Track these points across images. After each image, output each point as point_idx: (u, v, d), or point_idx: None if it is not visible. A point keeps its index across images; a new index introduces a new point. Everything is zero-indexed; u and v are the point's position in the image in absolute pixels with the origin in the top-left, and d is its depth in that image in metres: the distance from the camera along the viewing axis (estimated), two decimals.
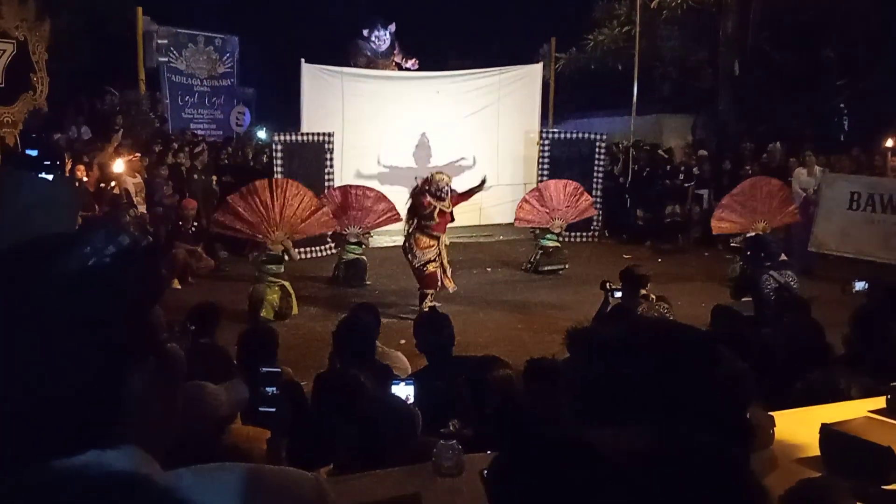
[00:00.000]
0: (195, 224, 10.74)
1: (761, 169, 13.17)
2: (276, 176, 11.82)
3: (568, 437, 1.02)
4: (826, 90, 16.94)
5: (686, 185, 14.12)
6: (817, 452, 2.66)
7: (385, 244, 12.51)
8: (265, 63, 19.04)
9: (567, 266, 11.40)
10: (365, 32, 16.80)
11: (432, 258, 8.86)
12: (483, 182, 9.43)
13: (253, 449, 3.07)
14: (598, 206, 13.55)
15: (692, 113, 18.50)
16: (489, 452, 2.63)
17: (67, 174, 9.95)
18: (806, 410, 3.17)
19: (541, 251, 11.45)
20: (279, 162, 12.21)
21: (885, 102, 15.14)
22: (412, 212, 9.03)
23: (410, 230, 9.01)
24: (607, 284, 6.49)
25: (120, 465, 0.87)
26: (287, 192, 9.13)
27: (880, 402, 3.04)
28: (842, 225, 11.15)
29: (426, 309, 7.94)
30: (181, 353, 1.09)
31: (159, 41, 15.92)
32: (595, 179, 14.09)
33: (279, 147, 12.36)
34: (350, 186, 11.13)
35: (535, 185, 12.90)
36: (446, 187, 8.89)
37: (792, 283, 7.15)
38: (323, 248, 11.76)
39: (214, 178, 12.75)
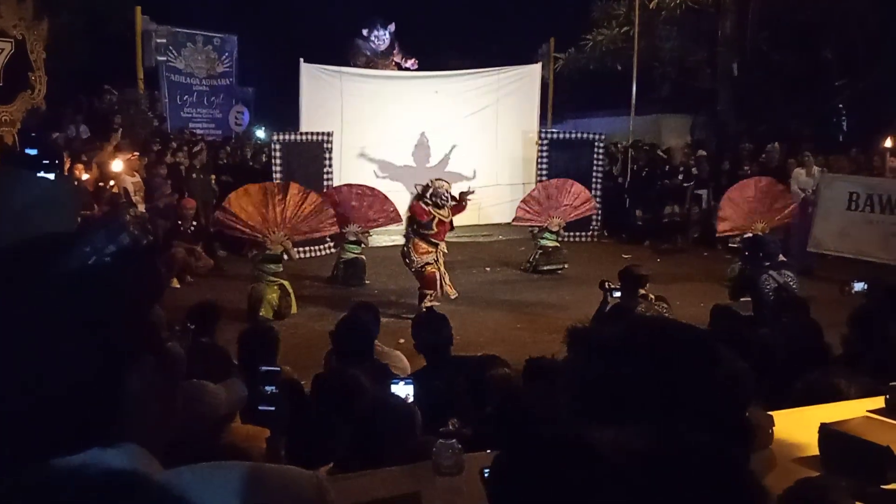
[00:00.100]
0: (194, 223, 10.74)
1: (760, 169, 13.18)
2: (275, 175, 11.85)
3: (567, 436, 1.03)
4: (825, 90, 16.95)
5: (685, 185, 14.12)
6: (816, 452, 2.66)
7: (384, 244, 12.51)
8: (264, 62, 19.02)
9: (566, 266, 11.40)
10: (364, 32, 16.80)
11: (430, 261, 8.95)
12: (467, 193, 9.46)
13: (252, 448, 3.08)
14: (598, 205, 13.55)
15: (691, 113, 18.51)
16: (489, 451, 2.63)
17: (66, 173, 9.94)
18: (805, 410, 3.17)
19: (540, 251, 11.46)
20: (278, 161, 12.21)
21: (884, 103, 15.15)
22: (411, 220, 9.11)
23: (409, 236, 9.09)
24: (606, 284, 6.49)
25: (120, 463, 0.87)
26: (289, 193, 9.13)
27: (879, 401, 3.04)
28: (840, 225, 11.15)
29: (425, 309, 7.97)
30: (181, 352, 1.09)
31: (158, 40, 15.87)
32: (594, 179, 14.10)
33: (278, 147, 12.36)
34: (349, 185, 11.13)
35: (533, 185, 12.91)
36: (446, 194, 8.97)
37: (791, 283, 7.15)
38: (322, 247, 11.76)
39: (213, 177, 12.75)
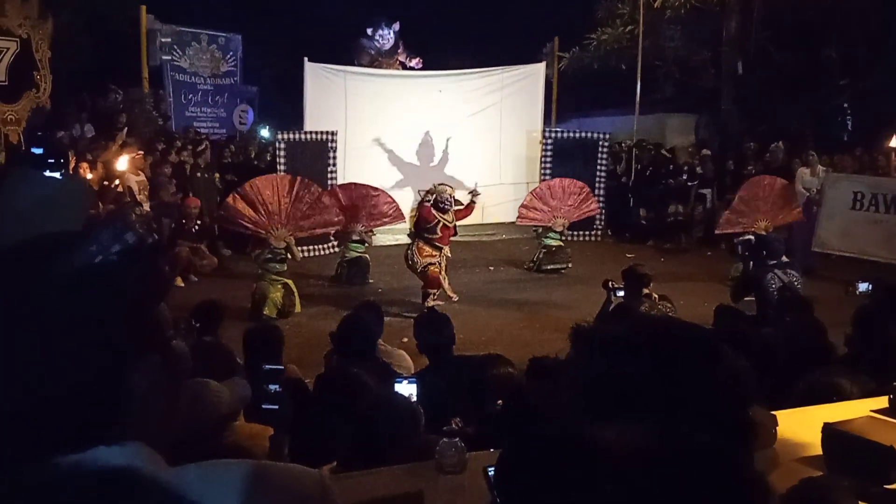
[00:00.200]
0: (198, 222, 10.75)
1: (764, 168, 13.15)
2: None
3: (570, 434, 1.03)
4: (829, 90, 16.91)
5: (689, 184, 14.12)
6: (819, 452, 2.66)
7: (388, 242, 12.51)
8: (268, 61, 19.03)
9: (570, 265, 11.40)
10: (369, 31, 16.78)
11: (433, 262, 8.98)
12: (475, 192, 9.53)
13: (255, 446, 3.08)
14: (601, 205, 13.54)
15: (695, 112, 18.47)
16: (492, 450, 2.64)
17: (71, 172, 9.96)
18: (808, 410, 3.17)
19: (543, 250, 11.45)
20: (282, 160, 12.23)
21: (888, 102, 15.11)
22: (417, 222, 9.20)
23: (413, 239, 9.14)
24: (610, 284, 6.49)
25: (124, 461, 0.88)
26: (295, 188, 9.06)
27: (882, 401, 3.04)
28: (845, 225, 11.13)
29: (427, 308, 8.01)
30: (186, 351, 1.09)
31: (163, 39, 15.90)
32: (598, 179, 14.09)
33: (282, 145, 12.37)
34: (354, 184, 11.13)
35: (537, 184, 12.90)
36: (449, 199, 9.06)
37: (796, 282, 7.14)
38: (325, 246, 11.77)
39: (217, 176, 12.76)
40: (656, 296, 6.58)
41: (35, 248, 0.93)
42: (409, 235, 9.44)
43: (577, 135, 14.64)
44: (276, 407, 2.61)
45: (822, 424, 2.68)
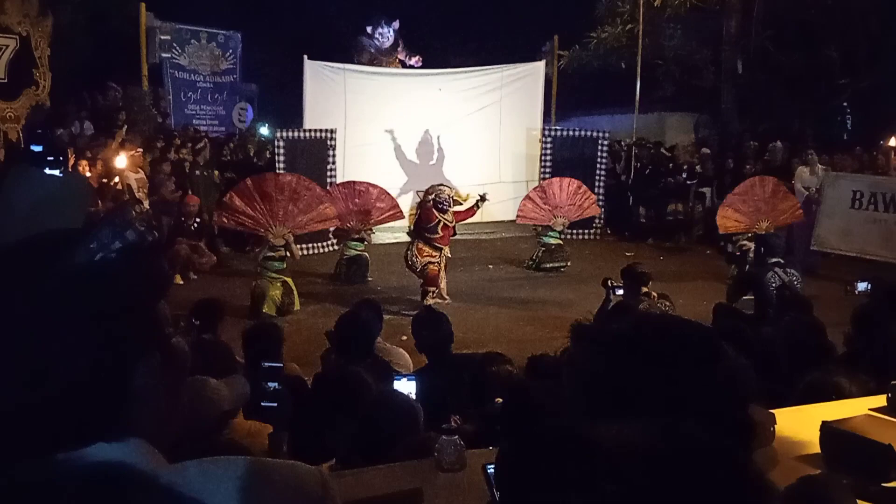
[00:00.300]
0: (197, 220, 10.75)
1: (764, 167, 13.17)
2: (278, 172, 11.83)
3: (569, 433, 1.03)
4: (828, 89, 16.92)
5: (688, 183, 14.13)
6: (818, 450, 2.66)
7: (387, 241, 12.52)
8: (268, 59, 19.00)
9: (569, 264, 11.41)
10: (368, 29, 16.77)
11: (433, 262, 8.99)
12: (483, 198, 9.56)
13: (254, 444, 3.08)
14: (601, 203, 13.54)
15: (695, 111, 18.48)
16: (491, 448, 2.64)
17: (70, 170, 9.96)
18: (807, 408, 3.17)
19: (543, 248, 11.46)
20: (281, 158, 12.22)
21: (888, 101, 15.12)
22: (417, 222, 9.22)
23: (413, 239, 9.15)
24: (609, 282, 6.49)
25: (125, 457, 0.88)
26: (294, 185, 9.06)
27: (881, 400, 3.04)
28: (844, 224, 11.14)
29: (425, 306, 8.02)
30: (186, 348, 1.09)
31: (162, 37, 15.90)
32: (597, 177, 14.09)
33: (281, 143, 12.37)
34: (353, 182, 11.13)
35: (537, 183, 12.90)
36: (448, 198, 9.08)
37: (796, 281, 7.16)
38: (325, 244, 11.77)
39: (216, 173, 12.76)
40: (655, 294, 6.58)
41: (35, 246, 0.93)
42: (408, 234, 9.43)
43: (577, 133, 14.64)
44: (276, 405, 2.61)
45: (820, 423, 2.68)
